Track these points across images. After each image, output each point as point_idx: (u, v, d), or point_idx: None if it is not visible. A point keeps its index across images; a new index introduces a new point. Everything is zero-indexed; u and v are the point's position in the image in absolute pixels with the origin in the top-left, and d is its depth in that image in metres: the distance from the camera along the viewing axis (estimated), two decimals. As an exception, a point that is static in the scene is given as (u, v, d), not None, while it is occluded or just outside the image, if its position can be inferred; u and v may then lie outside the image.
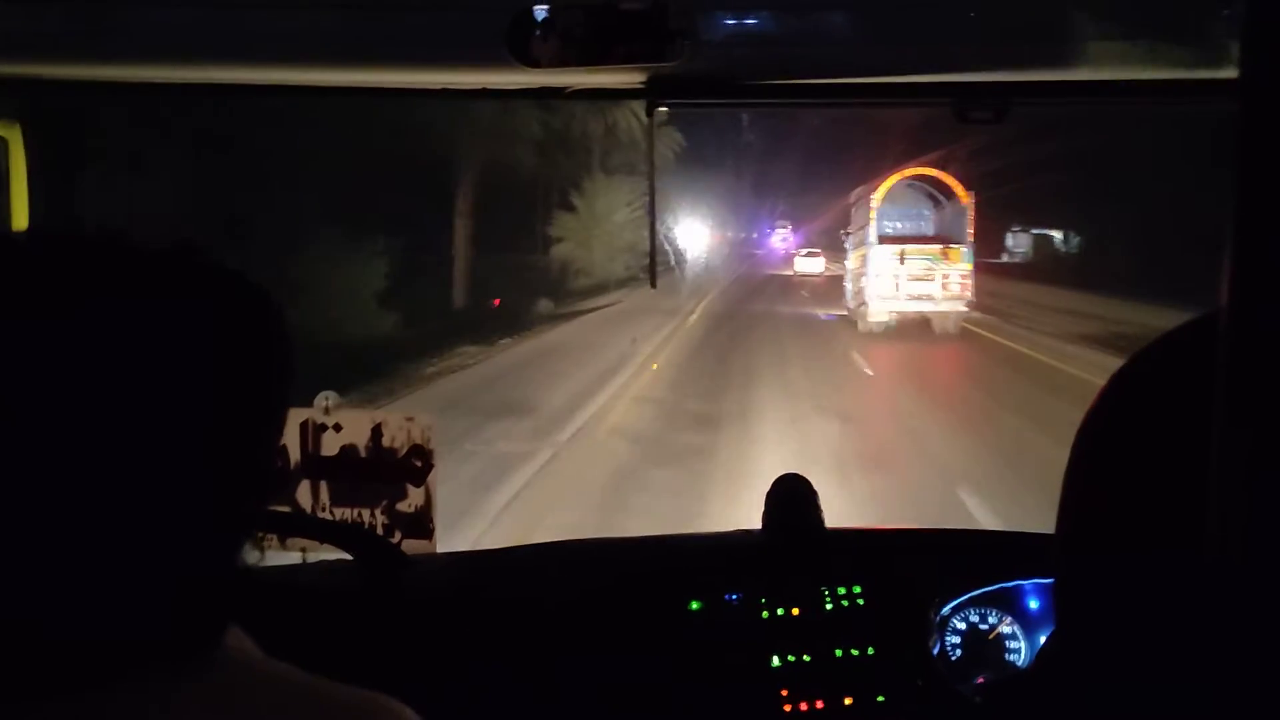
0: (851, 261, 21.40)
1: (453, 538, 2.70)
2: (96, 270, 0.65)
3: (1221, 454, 0.43)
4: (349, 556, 1.47)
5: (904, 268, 18.64)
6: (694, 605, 1.60)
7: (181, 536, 0.65)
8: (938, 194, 21.20)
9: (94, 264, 0.65)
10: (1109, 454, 0.67)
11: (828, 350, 16.53)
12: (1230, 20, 0.92)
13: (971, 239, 19.30)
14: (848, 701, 1.55)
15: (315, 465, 1.60)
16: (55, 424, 0.60)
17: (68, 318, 0.62)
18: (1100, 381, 0.66)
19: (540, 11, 1.14)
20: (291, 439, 1.59)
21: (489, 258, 24.37)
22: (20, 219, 1.83)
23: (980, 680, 1.60)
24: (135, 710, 0.62)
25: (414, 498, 1.62)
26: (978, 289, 19.12)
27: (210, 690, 0.64)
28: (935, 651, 1.60)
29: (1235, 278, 0.41)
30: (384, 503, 1.61)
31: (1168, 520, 0.57)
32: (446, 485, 1.67)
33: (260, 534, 1.59)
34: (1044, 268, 38.04)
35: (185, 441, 0.64)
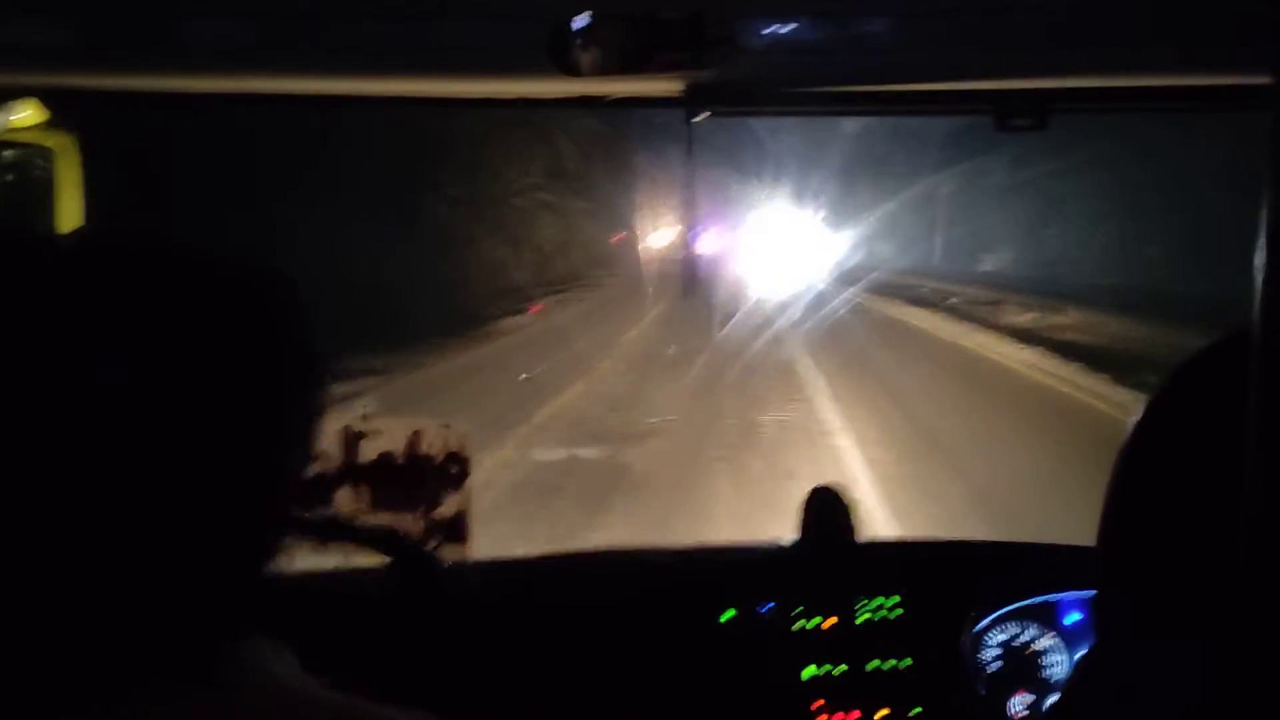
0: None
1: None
2: (124, 272, 0.65)
3: (1256, 462, 0.42)
4: (386, 562, 1.48)
5: None
6: (727, 615, 1.59)
7: (198, 542, 0.64)
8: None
9: (124, 266, 0.65)
10: (1150, 468, 0.67)
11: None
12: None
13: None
14: (882, 714, 1.54)
15: (353, 471, 1.61)
16: (73, 422, 0.59)
17: (91, 318, 0.61)
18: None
19: (580, 21, 1.15)
20: (330, 445, 1.61)
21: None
22: (67, 228, 1.86)
23: (1019, 694, 1.58)
24: None
25: (451, 504, 1.62)
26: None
27: (224, 709, 0.62)
28: (972, 665, 1.59)
29: (1269, 291, 0.41)
30: (421, 509, 1.62)
31: (1208, 534, 0.57)
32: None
33: (299, 540, 1.61)
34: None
35: (208, 444, 0.63)
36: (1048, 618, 1.62)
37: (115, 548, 0.61)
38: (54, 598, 0.60)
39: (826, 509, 1.68)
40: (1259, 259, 0.42)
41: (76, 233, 0.68)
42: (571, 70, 1.19)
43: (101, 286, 0.63)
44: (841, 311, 19.58)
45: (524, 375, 12.00)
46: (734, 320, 17.73)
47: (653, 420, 9.44)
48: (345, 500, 1.62)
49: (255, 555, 0.69)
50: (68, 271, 0.64)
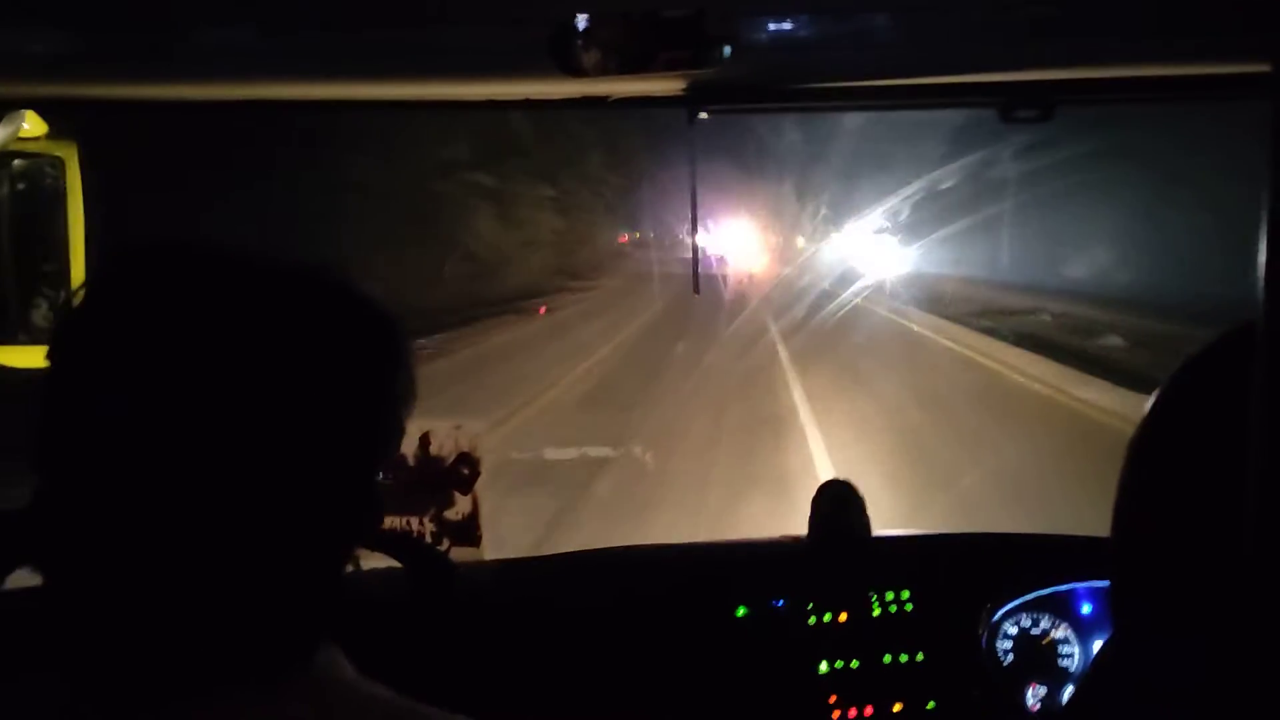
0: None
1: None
2: (234, 285, 0.66)
3: (1260, 456, 0.42)
4: (398, 564, 1.48)
5: None
6: (741, 611, 1.59)
7: (287, 552, 0.66)
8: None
9: (232, 278, 0.66)
10: (1163, 458, 0.67)
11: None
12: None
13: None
14: (897, 708, 1.54)
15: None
16: (182, 432, 0.61)
17: (207, 330, 0.63)
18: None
19: (582, 21, 1.15)
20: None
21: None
22: (77, 237, 1.87)
23: (1034, 686, 1.58)
24: None
25: (461, 505, 1.63)
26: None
27: (299, 708, 0.65)
28: (986, 657, 1.58)
29: (1273, 285, 0.40)
30: (432, 511, 1.63)
31: (1222, 525, 0.57)
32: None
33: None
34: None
35: (306, 453, 0.65)
36: (1061, 609, 1.61)
37: (228, 555, 0.63)
38: (173, 597, 0.62)
39: (838, 503, 1.68)
40: (1264, 250, 0.42)
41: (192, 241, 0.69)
42: (574, 71, 1.19)
43: (227, 300, 0.65)
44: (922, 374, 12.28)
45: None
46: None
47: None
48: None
49: (337, 566, 0.72)
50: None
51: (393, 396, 0.72)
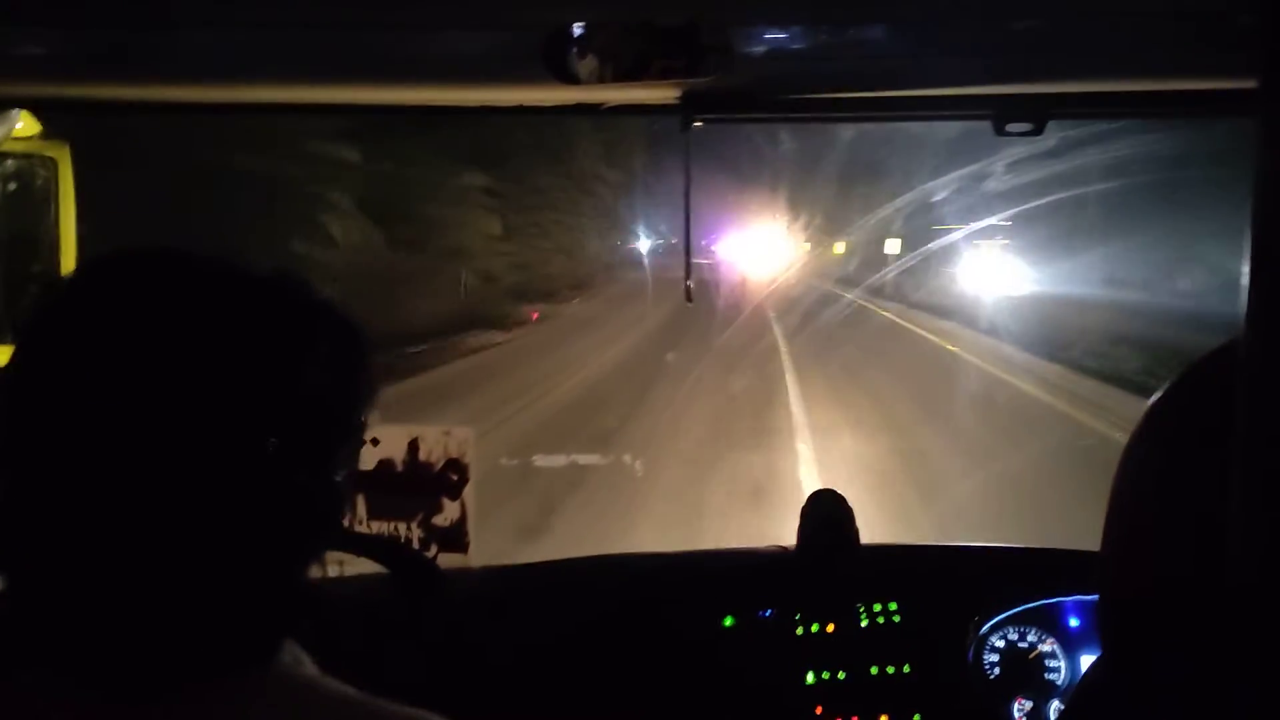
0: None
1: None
2: (198, 288, 0.67)
3: (1244, 473, 0.42)
4: (385, 570, 1.48)
5: None
6: (728, 621, 1.59)
7: (247, 550, 0.66)
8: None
9: (197, 282, 0.67)
10: (1153, 473, 0.67)
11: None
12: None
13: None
14: (883, 719, 1.54)
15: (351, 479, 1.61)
16: (146, 431, 0.62)
17: (169, 332, 0.64)
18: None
19: (577, 29, 1.15)
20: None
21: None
22: (69, 236, 1.87)
23: (1020, 700, 1.58)
24: None
25: (450, 511, 1.63)
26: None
27: (262, 706, 0.65)
28: (973, 670, 1.58)
29: (1256, 298, 0.41)
30: (420, 516, 1.62)
31: (1212, 537, 0.57)
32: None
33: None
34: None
35: (265, 453, 0.66)
36: (1049, 622, 1.61)
37: (188, 553, 0.63)
38: (133, 596, 0.63)
39: (826, 514, 1.68)
40: (1246, 263, 0.42)
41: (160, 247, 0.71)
42: (568, 78, 1.19)
43: (186, 303, 0.66)
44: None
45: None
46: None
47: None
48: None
49: (300, 565, 0.73)
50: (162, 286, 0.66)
51: (352, 398, 0.73)
